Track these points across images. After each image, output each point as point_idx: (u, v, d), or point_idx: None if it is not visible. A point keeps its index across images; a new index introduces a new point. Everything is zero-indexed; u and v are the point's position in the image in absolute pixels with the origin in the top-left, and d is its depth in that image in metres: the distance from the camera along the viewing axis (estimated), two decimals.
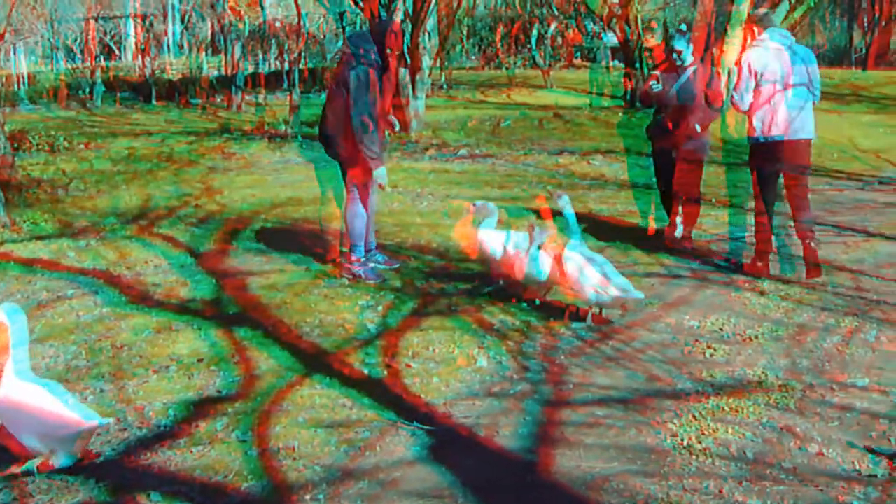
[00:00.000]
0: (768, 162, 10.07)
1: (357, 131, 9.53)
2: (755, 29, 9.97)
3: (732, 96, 9.94)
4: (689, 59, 10.90)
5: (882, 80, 36.70)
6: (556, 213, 9.04)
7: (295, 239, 11.47)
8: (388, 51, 9.58)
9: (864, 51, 47.04)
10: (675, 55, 10.88)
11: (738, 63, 10.07)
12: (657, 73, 11.12)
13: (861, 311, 8.98)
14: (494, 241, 9.44)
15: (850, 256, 10.96)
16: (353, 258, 9.98)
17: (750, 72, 9.75)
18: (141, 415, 6.70)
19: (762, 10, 10.42)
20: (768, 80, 9.77)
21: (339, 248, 10.65)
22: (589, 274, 8.46)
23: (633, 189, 14.80)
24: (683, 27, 11.06)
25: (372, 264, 10.07)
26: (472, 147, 20.00)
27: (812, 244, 10.02)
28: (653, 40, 25.50)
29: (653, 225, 11.94)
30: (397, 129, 10.23)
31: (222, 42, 34.20)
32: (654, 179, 11.56)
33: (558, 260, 8.64)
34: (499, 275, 9.37)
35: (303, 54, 31.21)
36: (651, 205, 12.62)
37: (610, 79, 32.79)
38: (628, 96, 26.39)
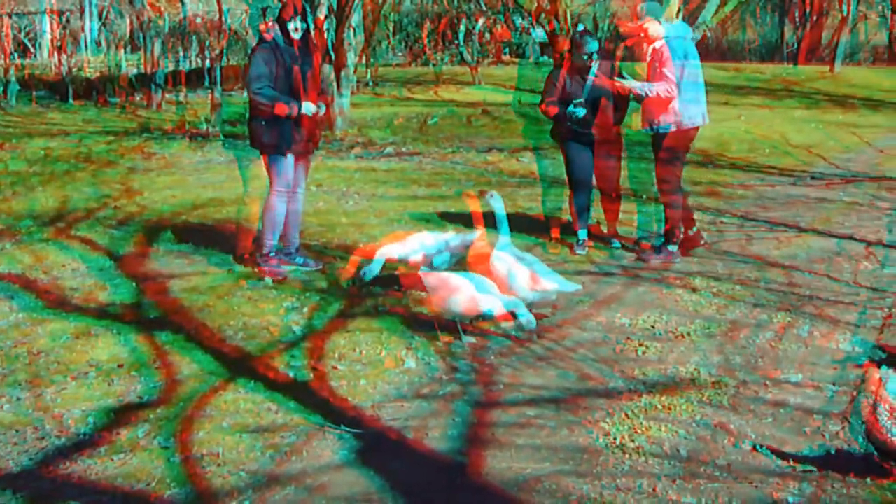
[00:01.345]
0: (684, 149, 10.58)
1: (251, 109, 9.77)
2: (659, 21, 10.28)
3: (662, 86, 10.11)
4: (596, 57, 10.90)
5: (813, 75, 37.29)
6: (487, 213, 9.05)
7: (217, 240, 11.39)
8: (290, 25, 9.63)
9: (795, 46, 47.75)
10: (586, 57, 10.82)
11: (654, 55, 10.26)
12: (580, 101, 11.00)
13: (794, 306, 9.09)
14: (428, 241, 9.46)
15: (783, 252, 11.09)
16: (263, 252, 9.97)
17: (680, 60, 10.07)
18: (59, 423, 6.61)
19: (652, 3, 10.58)
20: (687, 68, 10.26)
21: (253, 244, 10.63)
22: (518, 273, 8.48)
23: (553, 187, 14.84)
24: (588, 26, 11.03)
25: (275, 262, 10.07)
26: (398, 145, 20.04)
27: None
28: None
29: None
30: (321, 112, 10.09)
31: (141, 39, 33.86)
32: (567, 179, 11.45)
33: (486, 259, 8.65)
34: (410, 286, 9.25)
35: (224, 51, 31.00)
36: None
37: (539, 74, 32.92)
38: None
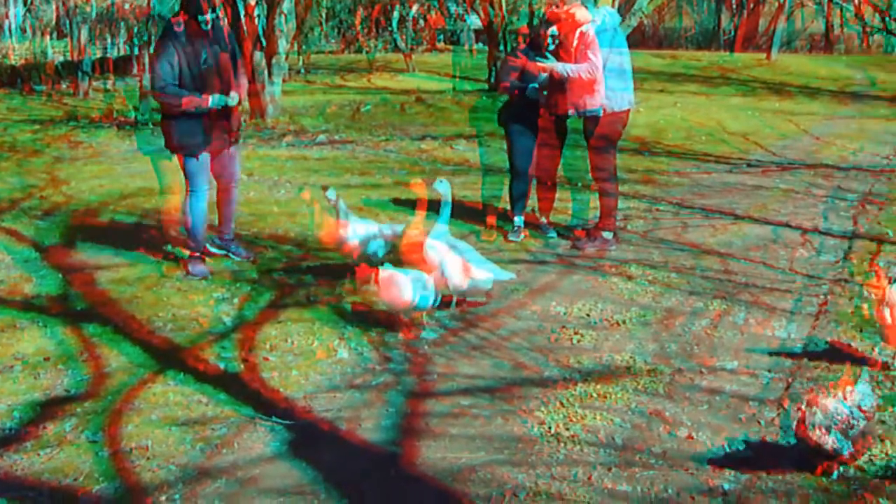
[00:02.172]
0: (616, 135, 10.80)
1: (161, 108, 9.61)
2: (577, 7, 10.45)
3: (584, 67, 10.25)
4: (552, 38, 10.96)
5: (750, 62, 37.58)
6: (432, 201, 9.01)
7: (146, 230, 11.34)
8: (198, 18, 9.32)
9: (732, 33, 48.15)
10: (550, 39, 10.86)
11: (581, 39, 10.36)
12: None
13: (729, 294, 9.18)
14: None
15: (719, 239, 11.19)
16: (191, 253, 9.87)
17: (607, 48, 10.30)
18: None
19: None
20: (614, 55, 10.52)
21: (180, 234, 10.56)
22: (450, 262, 8.49)
23: (490, 174, 14.88)
24: (524, 12, 11.08)
25: (200, 266, 9.81)
26: (331, 133, 19.99)
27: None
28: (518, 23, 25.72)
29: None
30: (234, 102, 9.83)
31: (68, 25, 33.52)
32: (509, 164, 11.48)
33: (420, 248, 8.66)
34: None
35: (153, 38, 30.74)
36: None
37: (474, 62, 32.98)
38: (492, 79, 26.57)
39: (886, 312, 7.10)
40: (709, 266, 10.10)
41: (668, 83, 30.50)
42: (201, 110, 9.43)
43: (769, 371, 7.33)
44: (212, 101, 9.43)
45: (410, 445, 6.13)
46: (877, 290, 7.44)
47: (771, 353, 7.69)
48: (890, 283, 7.14)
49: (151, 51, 24.50)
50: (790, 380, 7.16)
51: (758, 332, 8.18)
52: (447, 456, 5.97)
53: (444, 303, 8.61)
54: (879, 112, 25.30)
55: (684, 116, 22.82)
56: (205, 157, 9.64)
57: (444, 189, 8.86)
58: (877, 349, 7.63)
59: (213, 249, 10.00)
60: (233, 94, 9.66)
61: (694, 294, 9.19)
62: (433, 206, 9.01)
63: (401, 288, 7.89)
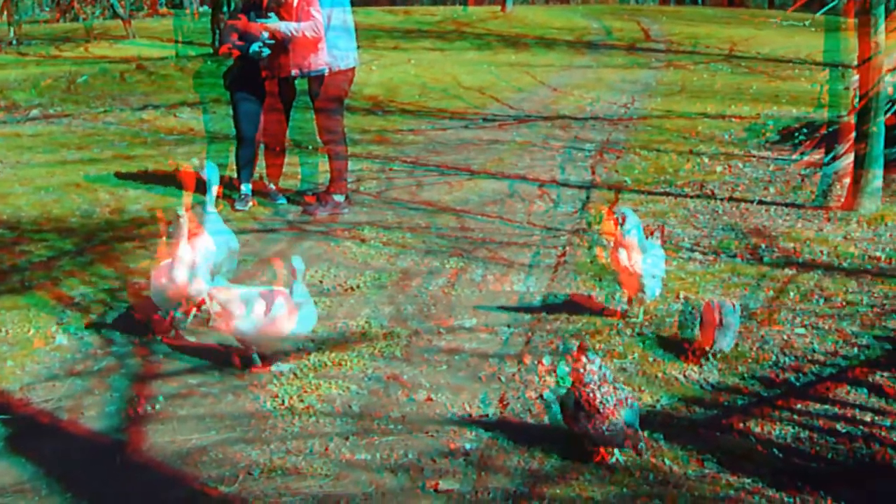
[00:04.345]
0: (342, 93, 10.91)
1: None
2: None
3: (308, 25, 10.29)
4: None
5: (485, 16, 38.18)
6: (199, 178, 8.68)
7: None
8: None
9: None
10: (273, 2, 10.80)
11: None
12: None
13: (466, 251, 9.35)
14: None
15: (454, 196, 11.35)
16: None
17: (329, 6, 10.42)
18: None
19: None
20: (337, 12, 10.64)
21: None
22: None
23: (216, 142, 14.75)
24: None
25: None
26: (45, 107, 19.48)
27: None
28: None
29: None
30: None
31: None
32: (235, 131, 11.37)
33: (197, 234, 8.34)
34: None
35: None
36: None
37: (198, 26, 32.62)
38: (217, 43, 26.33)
39: (621, 257, 7.32)
40: (445, 224, 10.25)
41: (401, 40, 30.74)
42: None
43: (508, 327, 7.49)
44: None
45: (136, 431, 6.04)
46: (610, 236, 7.68)
47: (510, 309, 7.85)
48: (622, 224, 7.33)
49: None
50: (530, 334, 7.32)
51: (496, 289, 8.35)
52: (176, 438, 5.91)
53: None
54: (616, 61, 26.11)
55: (418, 73, 23.05)
56: None
57: (211, 172, 8.50)
58: (615, 298, 7.86)
59: None
60: None
61: (430, 254, 9.31)
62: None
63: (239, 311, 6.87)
